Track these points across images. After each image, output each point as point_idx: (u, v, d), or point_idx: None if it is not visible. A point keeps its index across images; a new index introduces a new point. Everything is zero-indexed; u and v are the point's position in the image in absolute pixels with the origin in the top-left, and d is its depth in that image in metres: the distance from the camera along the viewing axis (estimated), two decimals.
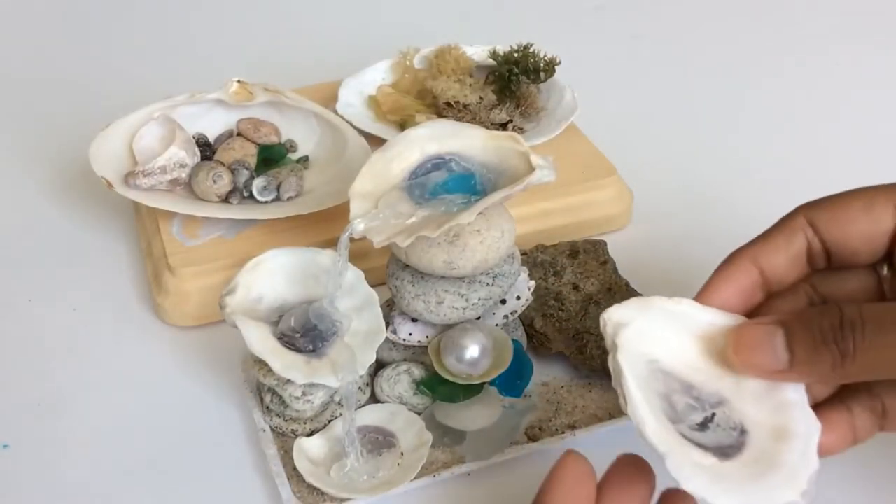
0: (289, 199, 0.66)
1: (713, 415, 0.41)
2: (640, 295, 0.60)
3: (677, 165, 0.79)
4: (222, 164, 0.67)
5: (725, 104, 0.88)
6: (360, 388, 0.54)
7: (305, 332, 0.52)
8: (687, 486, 0.37)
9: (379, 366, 0.56)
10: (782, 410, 0.41)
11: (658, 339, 0.43)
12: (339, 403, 0.54)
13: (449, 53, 0.76)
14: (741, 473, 0.39)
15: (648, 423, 0.39)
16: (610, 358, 0.40)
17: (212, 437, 0.55)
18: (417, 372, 0.55)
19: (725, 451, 0.40)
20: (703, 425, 0.41)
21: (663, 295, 0.57)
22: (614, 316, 0.42)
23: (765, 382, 0.42)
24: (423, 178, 0.52)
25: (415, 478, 0.50)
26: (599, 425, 0.53)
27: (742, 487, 0.38)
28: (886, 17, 1.02)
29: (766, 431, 0.41)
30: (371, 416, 0.54)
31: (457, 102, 0.72)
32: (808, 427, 0.41)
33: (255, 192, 0.66)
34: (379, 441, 0.52)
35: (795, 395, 0.42)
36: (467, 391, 0.52)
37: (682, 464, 0.38)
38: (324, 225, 0.64)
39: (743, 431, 0.41)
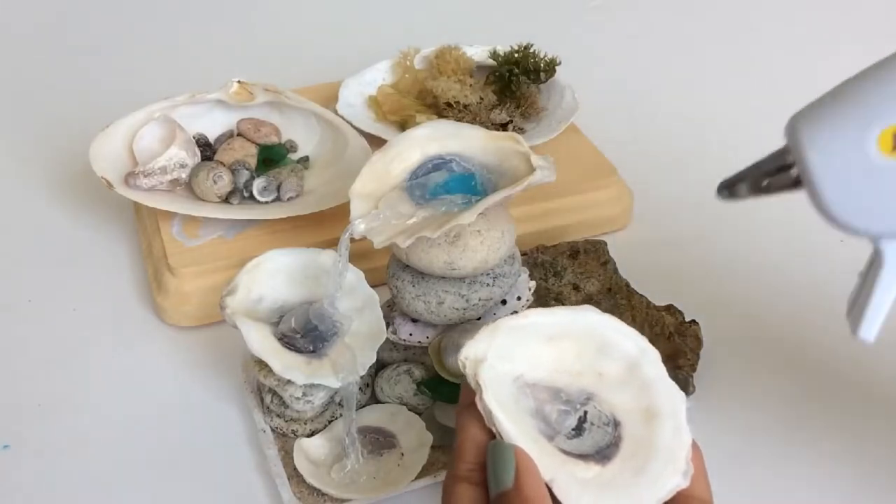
0: (289, 199, 0.66)
1: (585, 413, 0.42)
2: (641, 295, 0.60)
3: (677, 165, 0.79)
4: (222, 164, 0.67)
5: (725, 104, 0.88)
6: (360, 388, 0.54)
7: (306, 333, 0.52)
8: None
9: (379, 366, 0.56)
10: (645, 390, 0.42)
11: (516, 356, 0.42)
12: (339, 404, 0.54)
13: (449, 54, 0.76)
14: (624, 473, 0.40)
15: (525, 443, 0.39)
16: (477, 399, 0.40)
17: (212, 438, 0.55)
18: (418, 372, 0.55)
19: (605, 453, 0.40)
20: (579, 429, 0.41)
21: (663, 295, 0.56)
22: (470, 354, 0.41)
23: (623, 366, 0.42)
24: (423, 179, 0.52)
25: (415, 478, 0.50)
26: None
27: (629, 489, 0.39)
28: (889, 16, 1.02)
29: (637, 416, 0.41)
30: (371, 416, 0.54)
31: (457, 103, 0.72)
32: (672, 401, 0.41)
33: (255, 193, 0.66)
34: (379, 441, 0.53)
35: (653, 370, 0.42)
36: None
37: (568, 485, 0.38)
38: (324, 225, 0.64)
39: (616, 423, 0.42)
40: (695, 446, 0.41)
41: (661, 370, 0.43)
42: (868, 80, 0.33)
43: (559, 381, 0.43)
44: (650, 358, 0.43)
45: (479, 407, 0.40)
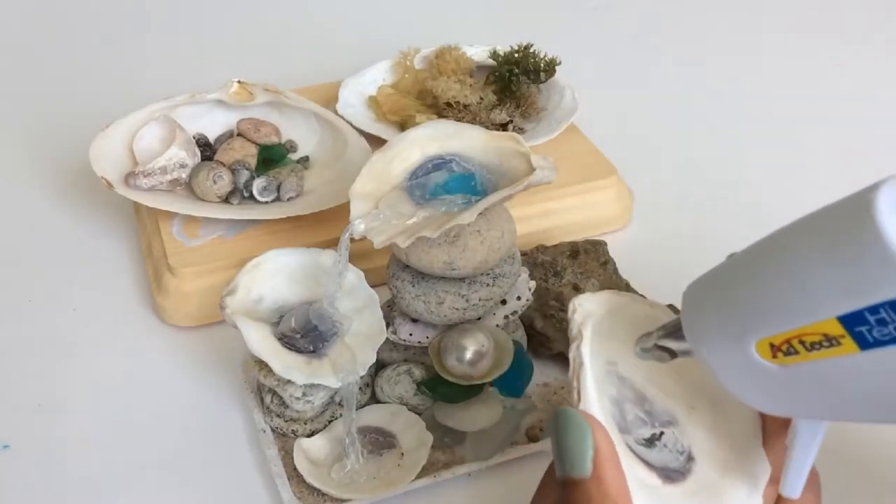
0: (289, 199, 0.66)
1: (661, 433, 0.39)
2: (642, 296, 0.60)
3: (677, 165, 0.79)
4: (222, 164, 0.67)
5: (726, 104, 0.88)
6: (360, 388, 0.54)
7: (306, 333, 0.52)
8: None
9: (379, 366, 0.56)
10: (733, 443, 0.39)
11: (623, 341, 0.40)
12: (339, 404, 0.54)
13: (449, 54, 0.76)
14: (683, 499, 0.37)
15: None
16: (572, 347, 0.38)
17: (212, 438, 0.55)
18: (418, 372, 0.55)
19: (670, 475, 0.38)
20: (651, 441, 0.39)
21: (663, 295, 0.56)
22: (586, 304, 0.39)
23: (717, 413, 0.40)
24: (423, 179, 0.52)
25: (415, 478, 0.50)
26: None
27: None
28: (889, 20, 1.02)
29: (714, 463, 0.39)
30: (371, 416, 0.54)
31: (457, 103, 0.72)
32: (756, 469, 0.39)
33: (255, 193, 0.66)
34: (379, 441, 0.53)
35: (745, 425, 0.40)
36: (468, 392, 0.52)
37: (630, 482, 0.36)
38: (324, 225, 0.64)
39: (690, 458, 0.39)
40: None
41: (757, 435, 0.40)
42: (744, 285, 0.33)
43: (649, 391, 0.40)
44: (755, 422, 0.40)
45: (571, 354, 0.37)
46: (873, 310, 0.29)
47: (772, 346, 0.32)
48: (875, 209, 0.28)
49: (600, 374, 0.39)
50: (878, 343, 0.29)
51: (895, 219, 0.28)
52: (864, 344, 0.30)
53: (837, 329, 0.30)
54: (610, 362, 0.40)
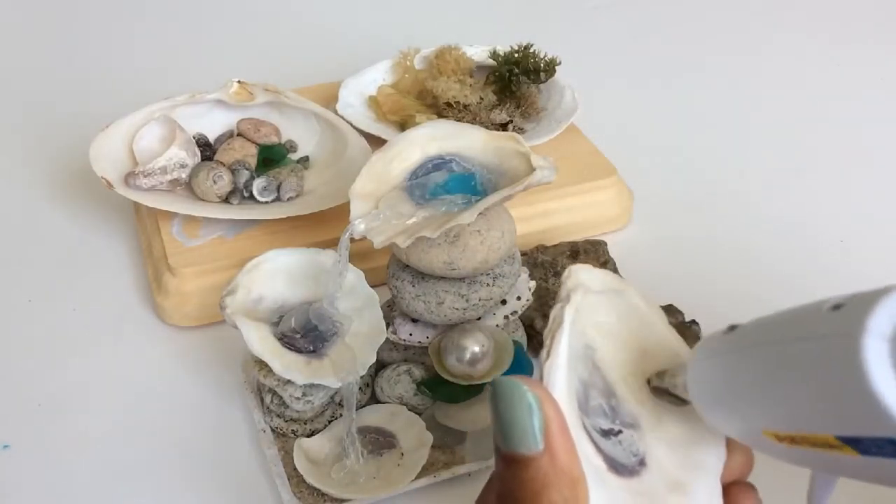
0: (289, 199, 0.66)
1: (620, 431, 0.37)
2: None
3: (677, 165, 0.79)
4: (222, 164, 0.67)
5: (726, 104, 0.88)
6: (360, 388, 0.54)
7: (306, 333, 0.52)
8: None
9: (379, 366, 0.56)
10: (692, 469, 0.38)
11: (607, 329, 0.39)
12: (339, 404, 0.54)
13: (449, 54, 0.76)
14: (623, 494, 0.35)
15: (558, 388, 0.34)
16: (556, 307, 0.36)
17: (212, 438, 0.55)
18: (418, 372, 0.55)
19: (616, 466, 0.36)
20: (607, 434, 0.37)
21: (663, 295, 0.56)
22: (582, 275, 0.38)
23: (686, 434, 0.38)
24: (423, 179, 0.52)
25: (415, 478, 0.50)
26: None
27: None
28: (889, 20, 1.02)
29: (665, 477, 0.37)
30: (371, 416, 0.54)
31: (457, 103, 0.72)
32: (709, 497, 0.37)
33: (255, 193, 0.66)
34: (379, 441, 0.53)
35: (712, 460, 0.38)
36: (468, 392, 0.52)
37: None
38: (324, 225, 0.64)
39: (643, 463, 0.37)
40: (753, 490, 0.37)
41: (718, 467, 0.38)
42: (748, 385, 0.33)
43: (619, 390, 0.38)
44: (717, 452, 0.38)
45: (552, 313, 0.36)
46: (871, 440, 0.29)
47: (777, 435, 0.33)
48: (863, 361, 0.28)
49: (577, 351, 0.37)
50: (879, 454, 0.29)
51: (884, 368, 0.28)
52: (864, 452, 0.30)
53: (836, 442, 0.30)
54: (588, 346, 0.38)
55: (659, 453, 0.37)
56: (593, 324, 0.38)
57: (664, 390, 0.38)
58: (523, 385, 0.31)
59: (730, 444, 0.38)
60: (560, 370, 0.34)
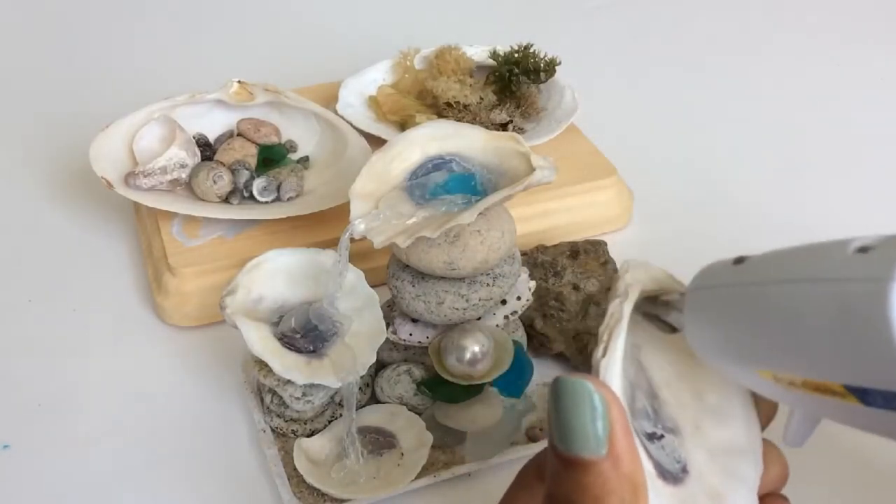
0: (289, 199, 0.66)
1: (662, 436, 0.36)
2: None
3: (677, 165, 0.79)
4: (222, 164, 0.67)
5: (726, 104, 0.88)
6: (360, 388, 0.54)
7: (306, 333, 0.52)
8: None
9: (379, 366, 0.56)
10: (730, 479, 0.36)
11: (651, 339, 0.38)
12: (339, 404, 0.54)
13: (449, 54, 0.76)
14: (672, 502, 0.34)
15: (614, 387, 0.33)
16: (614, 302, 0.35)
17: (212, 438, 0.55)
18: (418, 372, 0.55)
19: (664, 474, 0.35)
20: (651, 438, 0.36)
21: None
22: (639, 273, 0.37)
23: (725, 442, 0.37)
24: (423, 179, 0.52)
25: (415, 478, 0.50)
26: None
27: None
28: (889, 20, 1.02)
29: (705, 486, 0.36)
30: (371, 416, 0.54)
31: (457, 103, 0.72)
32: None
33: (255, 193, 0.66)
34: (379, 441, 0.53)
35: (749, 472, 0.37)
36: (468, 392, 0.52)
37: None
38: (324, 225, 0.64)
39: (685, 470, 0.36)
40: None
41: (755, 477, 0.37)
42: (752, 319, 0.31)
43: (661, 392, 0.37)
44: (755, 462, 0.37)
45: (610, 309, 0.34)
46: (881, 392, 0.27)
47: (774, 376, 0.31)
48: (891, 309, 0.26)
49: (626, 349, 0.35)
50: (885, 407, 0.28)
51: None
52: (869, 403, 0.28)
53: (841, 390, 0.29)
54: (636, 344, 0.37)
55: (699, 461, 0.36)
56: (642, 322, 0.37)
57: (654, 316, 0.36)
58: (590, 384, 0.29)
59: (766, 455, 0.37)
60: (617, 367, 0.33)
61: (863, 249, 0.28)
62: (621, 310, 0.34)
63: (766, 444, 0.37)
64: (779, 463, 0.37)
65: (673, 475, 0.35)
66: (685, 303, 0.34)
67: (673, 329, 0.36)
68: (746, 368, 0.32)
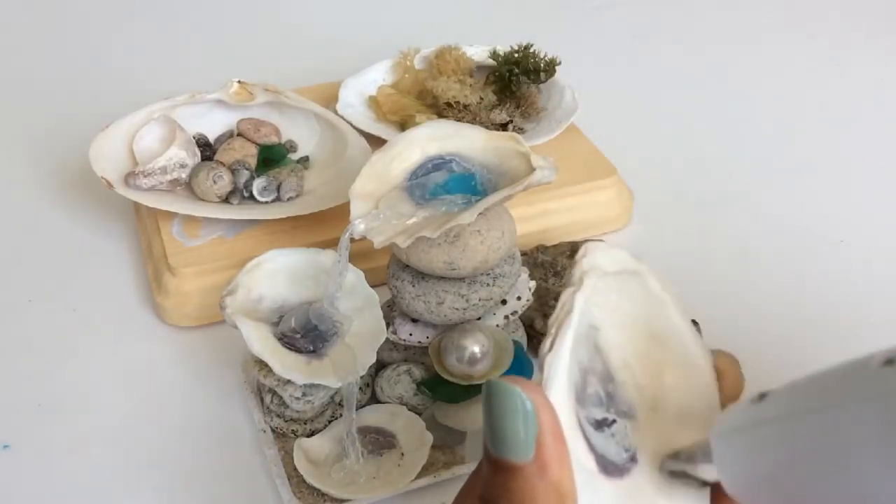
0: (289, 199, 0.66)
1: (614, 421, 0.35)
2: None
3: (677, 165, 0.79)
4: (222, 164, 0.67)
5: (726, 104, 0.88)
6: (360, 388, 0.54)
7: (306, 333, 0.52)
8: None
9: (379, 366, 0.56)
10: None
11: (615, 309, 0.36)
12: (339, 404, 0.54)
13: (449, 54, 0.76)
14: (612, 499, 0.33)
15: (557, 383, 0.32)
16: (567, 291, 0.33)
17: (212, 438, 0.55)
18: (418, 372, 0.55)
19: (607, 466, 0.33)
20: (599, 425, 0.34)
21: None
22: (598, 257, 0.35)
23: (677, 426, 0.35)
24: (423, 179, 0.52)
25: (415, 478, 0.50)
26: None
27: None
28: (889, 20, 1.02)
29: (653, 476, 0.34)
30: (371, 416, 0.54)
31: (457, 103, 0.72)
32: (698, 499, 0.34)
33: (255, 193, 0.66)
34: (379, 442, 0.53)
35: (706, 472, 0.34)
36: (468, 392, 0.52)
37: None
38: (324, 225, 0.64)
39: (633, 459, 0.34)
40: None
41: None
42: (796, 483, 0.29)
43: (619, 375, 0.35)
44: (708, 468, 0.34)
45: (561, 298, 0.33)
46: None
47: None
48: None
49: (580, 333, 0.34)
50: None
51: None
52: None
53: None
54: (593, 326, 0.36)
55: (650, 445, 0.35)
56: (600, 302, 0.36)
57: (681, 473, 0.34)
58: (519, 390, 0.29)
59: (720, 367, 0.36)
60: (562, 363, 0.32)
61: (889, 362, 0.26)
62: (572, 300, 0.33)
63: (721, 354, 0.37)
64: (732, 374, 0.36)
65: (618, 466, 0.34)
66: (712, 452, 0.32)
67: (705, 484, 0.34)
68: None
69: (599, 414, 0.34)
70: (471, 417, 0.52)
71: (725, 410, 0.33)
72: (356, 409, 0.51)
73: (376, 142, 0.66)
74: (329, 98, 0.75)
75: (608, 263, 0.35)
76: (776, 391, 0.30)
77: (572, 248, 0.63)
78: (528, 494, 0.29)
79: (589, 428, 0.34)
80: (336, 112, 0.72)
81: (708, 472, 0.32)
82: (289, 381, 0.51)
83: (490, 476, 0.30)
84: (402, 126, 0.72)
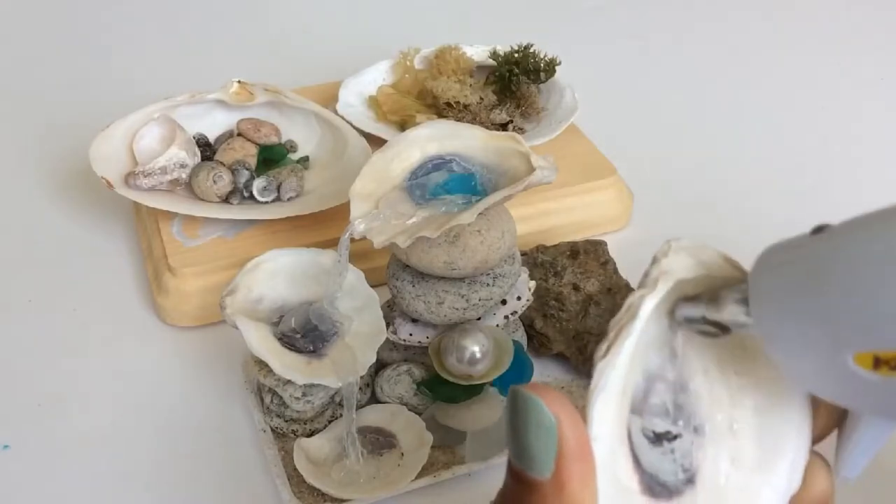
0: (289, 199, 0.66)
1: (677, 437, 0.32)
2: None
3: (677, 165, 0.79)
4: (223, 164, 0.67)
5: (725, 104, 0.88)
6: (360, 388, 0.54)
7: (306, 333, 0.52)
8: None
9: (379, 366, 0.56)
10: (749, 496, 0.32)
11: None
12: (339, 404, 0.54)
13: (449, 54, 0.76)
14: None
15: (605, 392, 0.29)
16: (637, 293, 0.30)
17: (212, 438, 0.55)
18: (418, 372, 0.55)
19: (653, 487, 0.31)
20: (658, 439, 0.32)
21: None
22: (676, 261, 0.31)
23: (759, 451, 0.32)
24: (423, 179, 0.52)
25: (415, 478, 0.50)
26: None
27: None
28: (889, 19, 1.02)
29: (714, 501, 0.32)
30: (371, 416, 0.54)
31: (457, 103, 0.72)
32: None
33: (255, 193, 0.66)
34: (379, 441, 0.52)
35: (774, 497, 0.32)
36: (468, 392, 0.52)
37: (603, 465, 0.28)
38: (324, 225, 0.64)
39: (690, 481, 0.31)
40: None
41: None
42: (854, 283, 0.26)
43: (695, 383, 0.32)
44: (783, 490, 0.32)
45: (629, 299, 0.30)
46: None
47: (877, 359, 0.26)
48: None
49: (654, 337, 0.31)
50: None
51: None
52: None
53: None
54: (674, 327, 0.32)
55: (717, 470, 0.32)
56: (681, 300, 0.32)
57: (698, 320, 0.31)
58: (542, 402, 0.27)
59: (810, 470, 0.32)
60: (615, 371, 0.29)
61: None
62: (639, 304, 0.29)
63: (814, 456, 0.33)
64: (824, 482, 0.32)
65: (669, 488, 0.31)
66: (750, 286, 0.29)
67: (722, 331, 0.31)
68: (838, 354, 0.27)
69: (662, 426, 0.32)
70: (471, 417, 0.52)
71: (771, 246, 0.29)
72: (356, 409, 0.51)
73: (376, 142, 0.66)
74: (329, 98, 0.75)
75: (684, 271, 0.31)
76: (835, 225, 0.28)
77: (572, 248, 0.63)
78: None
79: (642, 442, 0.31)
80: (336, 112, 0.72)
81: (735, 314, 0.29)
82: (289, 381, 0.51)
83: (509, 484, 0.29)
84: (402, 126, 0.72)
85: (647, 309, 0.29)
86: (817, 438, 0.33)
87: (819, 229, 0.28)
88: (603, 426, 0.28)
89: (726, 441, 0.32)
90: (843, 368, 0.26)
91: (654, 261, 0.31)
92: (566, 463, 0.27)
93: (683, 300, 0.31)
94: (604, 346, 0.29)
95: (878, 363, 0.26)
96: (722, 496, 0.32)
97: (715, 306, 0.30)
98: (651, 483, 0.30)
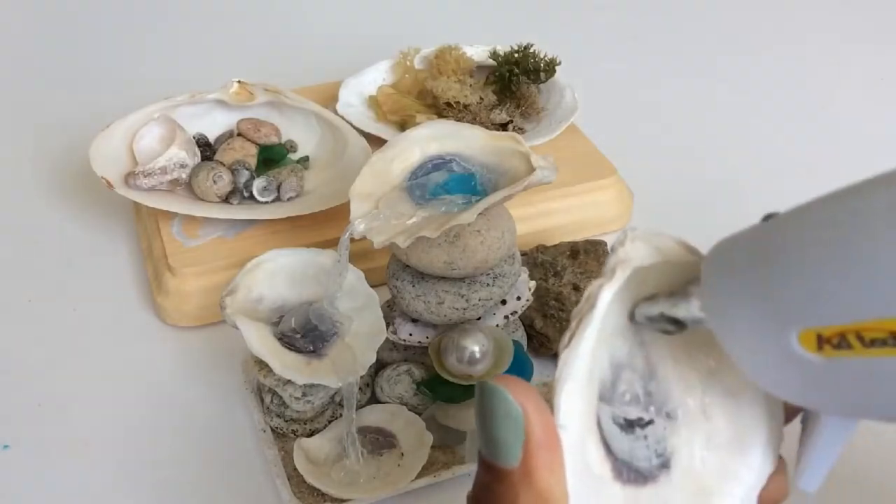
0: (289, 199, 0.66)
1: (650, 422, 0.32)
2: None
3: (677, 165, 0.79)
4: (223, 164, 0.67)
5: (725, 104, 0.88)
6: (360, 388, 0.54)
7: (306, 333, 0.52)
8: None
9: (379, 366, 0.56)
10: (725, 478, 0.32)
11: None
12: (339, 404, 0.54)
13: (449, 54, 0.76)
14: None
15: (570, 381, 0.29)
16: (595, 283, 0.30)
17: (212, 438, 0.55)
18: (418, 372, 0.55)
19: (626, 473, 0.31)
20: (630, 426, 0.32)
21: None
22: (637, 248, 0.31)
23: (733, 436, 0.32)
24: (423, 179, 0.52)
25: (415, 478, 0.50)
26: None
27: None
28: (889, 19, 1.02)
29: (690, 484, 0.32)
30: (371, 416, 0.54)
31: (457, 103, 0.72)
32: None
33: (255, 193, 0.66)
34: (379, 441, 0.53)
35: (752, 477, 0.32)
36: (468, 392, 0.52)
37: (572, 453, 0.28)
38: (324, 225, 0.64)
39: (665, 466, 0.32)
40: None
41: (759, 481, 0.32)
42: (794, 263, 0.26)
43: (664, 370, 0.32)
44: (759, 466, 0.32)
45: (588, 289, 0.30)
46: None
47: (819, 337, 0.26)
48: None
49: (619, 326, 0.32)
50: None
51: None
52: None
53: None
54: (637, 313, 0.33)
55: (692, 453, 0.32)
56: (643, 294, 0.32)
57: (658, 318, 0.31)
58: (507, 393, 0.28)
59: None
60: (579, 360, 0.29)
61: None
62: (598, 293, 0.29)
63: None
64: (779, 475, 0.33)
65: (644, 473, 0.31)
66: (702, 276, 0.30)
67: (675, 328, 0.31)
68: (783, 333, 0.27)
69: (634, 413, 0.32)
70: (471, 417, 0.52)
71: (726, 237, 0.30)
72: (356, 409, 0.51)
73: (376, 142, 0.66)
74: (329, 98, 0.75)
75: (645, 256, 0.31)
76: (783, 213, 0.28)
77: (572, 248, 0.63)
78: (510, 499, 0.28)
79: (613, 429, 0.31)
80: (336, 112, 0.72)
81: (692, 310, 0.30)
82: (289, 381, 0.51)
83: (480, 475, 0.29)
84: (402, 126, 0.72)
85: (605, 298, 0.30)
86: (790, 416, 0.34)
87: (769, 217, 0.29)
88: (570, 415, 0.28)
89: (700, 425, 0.32)
90: (789, 353, 0.27)
91: (612, 251, 0.31)
92: (533, 451, 0.27)
93: (643, 301, 0.32)
94: (566, 337, 0.29)
95: (821, 342, 0.26)
96: (698, 479, 0.32)
97: (674, 302, 0.30)
98: (624, 469, 0.31)
